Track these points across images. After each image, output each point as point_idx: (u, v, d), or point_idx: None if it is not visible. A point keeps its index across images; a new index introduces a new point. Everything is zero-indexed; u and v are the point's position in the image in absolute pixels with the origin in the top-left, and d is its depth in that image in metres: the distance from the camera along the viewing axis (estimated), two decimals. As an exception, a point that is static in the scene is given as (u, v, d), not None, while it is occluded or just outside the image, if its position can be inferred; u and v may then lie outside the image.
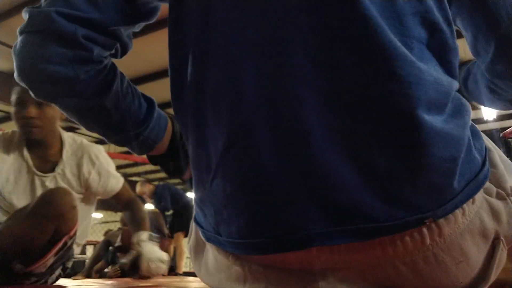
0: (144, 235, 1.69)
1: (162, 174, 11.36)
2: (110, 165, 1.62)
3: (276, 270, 0.47)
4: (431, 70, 0.45)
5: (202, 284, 0.78)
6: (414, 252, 0.43)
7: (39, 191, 1.41)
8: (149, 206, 4.73)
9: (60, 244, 1.26)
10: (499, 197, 0.49)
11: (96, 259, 3.50)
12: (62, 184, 1.47)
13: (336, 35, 0.44)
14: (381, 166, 0.42)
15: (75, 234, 1.32)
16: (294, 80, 0.44)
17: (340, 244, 0.43)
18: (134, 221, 1.74)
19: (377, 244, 0.43)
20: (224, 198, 0.48)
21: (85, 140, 1.59)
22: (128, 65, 5.86)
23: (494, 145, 0.53)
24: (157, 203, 4.66)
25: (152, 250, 1.67)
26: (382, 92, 0.43)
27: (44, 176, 1.46)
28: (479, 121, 5.36)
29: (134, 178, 9.26)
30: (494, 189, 0.49)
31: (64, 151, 1.51)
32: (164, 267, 1.74)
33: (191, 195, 4.39)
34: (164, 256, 1.74)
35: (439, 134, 0.43)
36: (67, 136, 1.56)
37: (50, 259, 1.25)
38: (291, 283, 0.46)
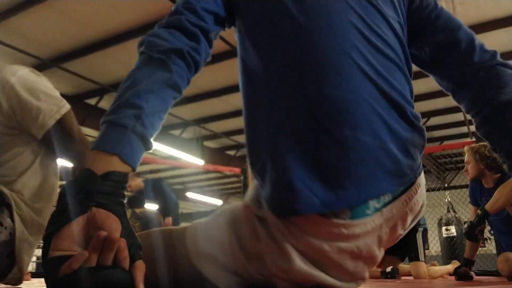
0: None
1: (162, 174, 11.37)
2: (29, 91, 1.12)
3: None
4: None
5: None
6: (416, 201, 0.74)
7: None
8: (151, 207, 4.78)
9: None
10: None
11: None
12: None
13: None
14: (401, 133, 0.71)
15: None
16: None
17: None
18: None
19: (403, 200, 0.72)
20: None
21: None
22: (128, 65, 5.86)
23: None
24: (146, 196, 4.69)
25: None
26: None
27: None
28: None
29: (134, 178, 9.26)
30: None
31: None
32: None
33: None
34: None
35: (421, 129, 0.75)
36: None
37: None
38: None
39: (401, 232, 0.75)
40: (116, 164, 0.58)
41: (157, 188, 4.84)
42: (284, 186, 0.66)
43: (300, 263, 0.68)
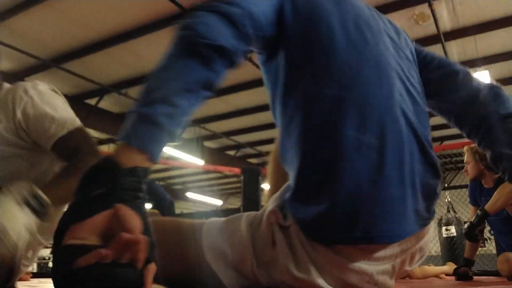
0: (20, 188, 0.94)
1: (162, 174, 11.36)
2: (47, 102, 1.15)
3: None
4: None
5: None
6: (426, 241, 0.80)
7: None
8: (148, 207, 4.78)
9: None
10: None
11: None
12: None
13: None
14: (428, 182, 0.77)
15: None
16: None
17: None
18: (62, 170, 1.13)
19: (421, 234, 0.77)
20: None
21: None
22: (128, 65, 5.86)
23: None
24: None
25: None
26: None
27: None
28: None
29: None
30: None
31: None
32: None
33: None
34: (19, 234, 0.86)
35: (441, 177, 0.80)
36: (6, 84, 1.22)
37: None
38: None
39: (408, 268, 0.81)
40: (142, 160, 0.57)
41: (151, 189, 4.84)
42: (329, 218, 0.68)
43: (316, 277, 0.69)
